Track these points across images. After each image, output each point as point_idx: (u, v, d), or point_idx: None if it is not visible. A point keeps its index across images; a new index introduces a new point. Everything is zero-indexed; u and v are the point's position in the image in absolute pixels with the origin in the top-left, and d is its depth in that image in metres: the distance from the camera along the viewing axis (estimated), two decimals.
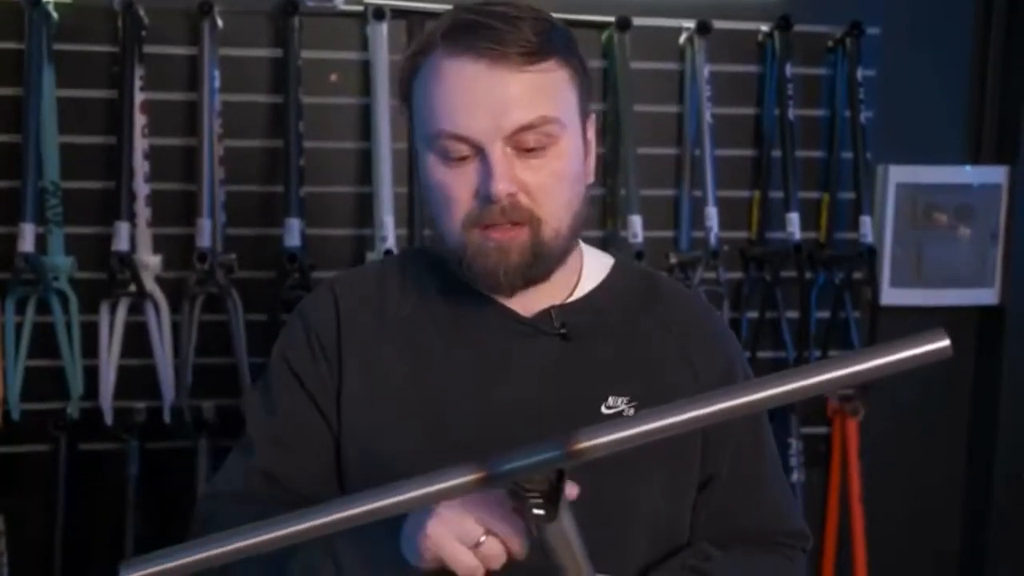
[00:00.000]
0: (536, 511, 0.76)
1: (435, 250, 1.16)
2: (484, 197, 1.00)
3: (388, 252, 2.00)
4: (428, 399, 1.07)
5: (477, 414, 1.06)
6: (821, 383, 0.68)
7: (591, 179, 1.10)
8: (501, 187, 0.98)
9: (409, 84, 1.05)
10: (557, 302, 1.10)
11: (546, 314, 1.09)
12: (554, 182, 1.02)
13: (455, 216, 1.02)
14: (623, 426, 0.72)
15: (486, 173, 0.99)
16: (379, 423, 1.07)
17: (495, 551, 0.86)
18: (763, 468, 1.17)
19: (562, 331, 1.09)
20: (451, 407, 1.07)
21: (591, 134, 1.09)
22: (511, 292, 1.06)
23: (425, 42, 1.03)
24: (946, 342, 0.67)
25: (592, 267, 1.15)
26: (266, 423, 1.12)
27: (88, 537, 2.07)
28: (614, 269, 1.16)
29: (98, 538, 2.08)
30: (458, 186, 1.01)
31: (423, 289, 1.13)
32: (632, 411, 1.07)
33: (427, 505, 0.80)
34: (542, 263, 1.04)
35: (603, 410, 1.07)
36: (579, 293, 1.12)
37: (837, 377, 0.68)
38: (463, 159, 1.00)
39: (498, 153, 0.99)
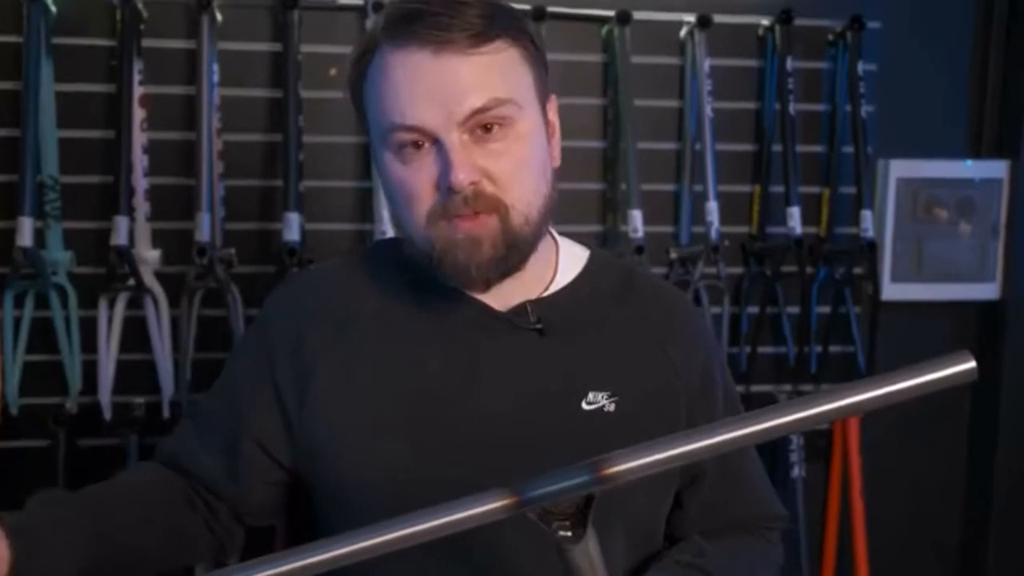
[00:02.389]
0: (563, 533, 0.76)
1: (401, 246, 1.14)
2: (445, 188, 0.97)
3: None
4: (401, 398, 1.05)
5: (453, 412, 1.04)
6: (851, 405, 0.68)
7: (557, 163, 1.07)
8: (462, 176, 0.95)
9: (359, 86, 1.02)
10: (532, 296, 1.08)
11: (521, 308, 1.07)
12: (518, 167, 0.99)
13: (418, 212, 1.00)
14: (654, 450, 0.71)
15: (445, 164, 0.96)
16: (351, 424, 1.05)
17: None
18: (745, 459, 1.18)
19: (538, 326, 1.07)
20: (425, 406, 1.04)
21: (553, 115, 1.06)
22: (486, 286, 1.04)
23: (368, 40, 1.01)
24: (971, 364, 0.66)
25: (567, 260, 1.12)
26: (195, 410, 1.16)
27: None
28: (590, 261, 1.14)
29: None
30: (417, 180, 0.98)
31: (393, 285, 1.10)
32: (612, 406, 1.06)
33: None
34: (515, 252, 1.02)
35: (583, 405, 1.06)
36: (555, 287, 1.10)
37: (866, 399, 0.68)
38: (419, 151, 0.98)
39: (455, 141, 0.96)
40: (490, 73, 0.97)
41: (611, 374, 1.07)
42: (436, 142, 0.97)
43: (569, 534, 0.76)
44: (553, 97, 1.07)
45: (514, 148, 0.99)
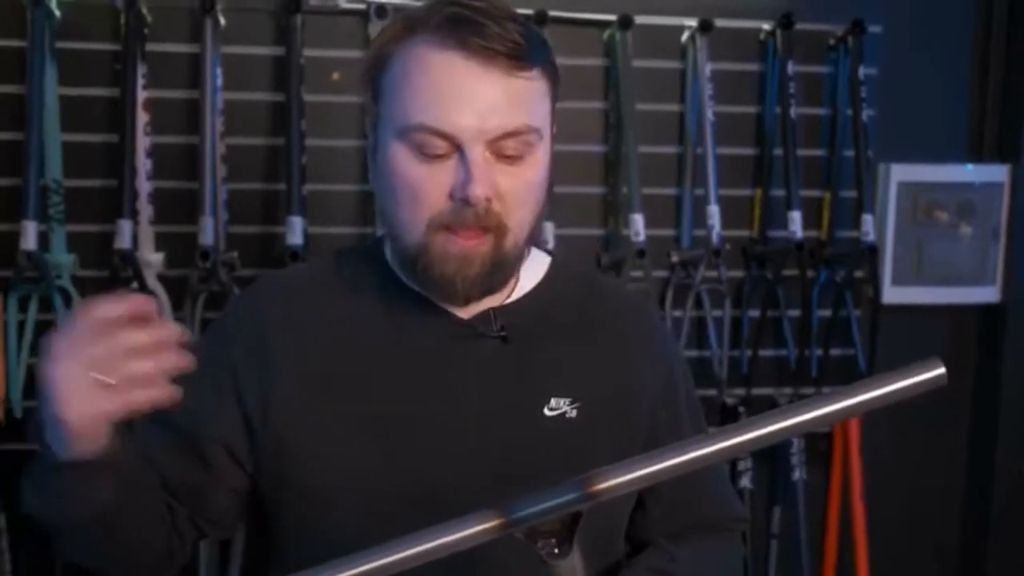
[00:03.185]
0: (550, 550, 0.76)
1: (370, 250, 1.14)
2: (461, 199, 0.96)
3: None
4: (363, 405, 1.04)
5: (416, 418, 1.04)
6: (829, 413, 0.70)
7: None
8: (480, 191, 0.95)
9: (380, 70, 1.01)
10: (496, 303, 1.08)
11: (485, 315, 1.07)
12: (526, 191, 1.00)
13: (420, 216, 0.99)
14: (643, 464, 0.72)
15: (465, 174, 0.96)
16: (312, 430, 1.04)
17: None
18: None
19: (502, 333, 1.07)
20: (388, 411, 1.04)
21: (553, 142, 1.07)
22: (465, 302, 1.04)
23: (404, 29, 0.99)
24: (941, 370, 0.68)
25: (530, 266, 1.12)
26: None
27: None
28: (552, 268, 1.14)
29: None
30: (431, 184, 0.98)
31: (358, 291, 1.10)
32: (575, 412, 1.06)
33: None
34: (500, 273, 1.03)
35: (546, 411, 1.06)
36: (518, 293, 1.10)
37: (843, 408, 0.69)
38: (439, 157, 0.97)
39: (479, 155, 0.96)
40: (525, 99, 0.98)
41: (573, 381, 1.07)
42: (458, 151, 0.97)
43: (556, 551, 0.76)
44: (555, 126, 1.07)
45: (527, 173, 1.00)
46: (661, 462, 0.72)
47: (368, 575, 0.70)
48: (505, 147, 0.97)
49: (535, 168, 1.01)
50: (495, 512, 0.73)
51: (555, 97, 1.04)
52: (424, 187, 0.98)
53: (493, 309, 1.07)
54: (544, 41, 1.03)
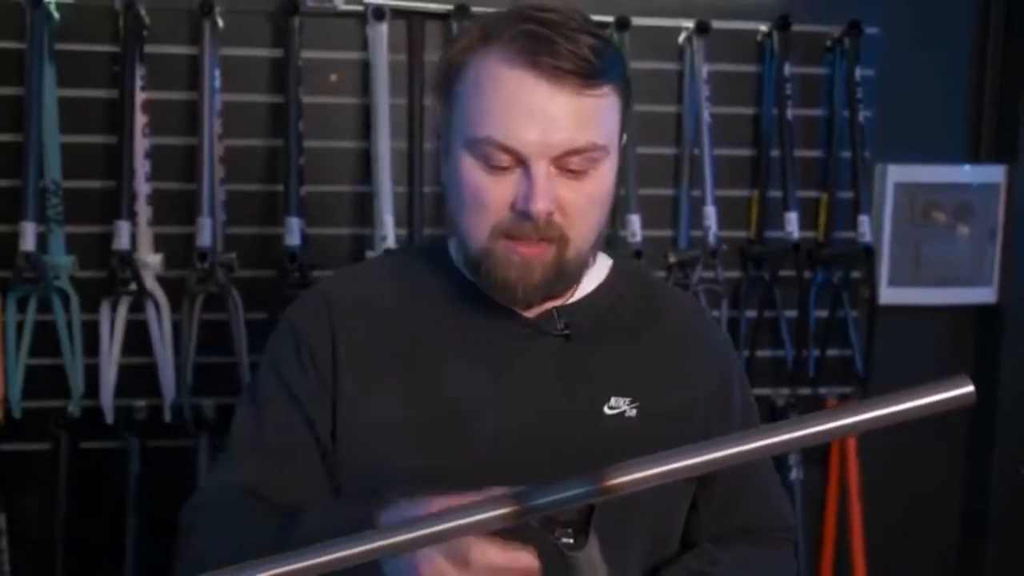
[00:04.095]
0: (565, 540, 0.76)
1: (433, 249, 1.16)
2: (522, 212, 0.98)
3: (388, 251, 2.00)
4: (427, 402, 1.06)
5: (481, 418, 1.05)
6: (849, 426, 0.69)
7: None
8: (541, 206, 0.97)
9: (453, 78, 1.02)
10: (559, 302, 1.09)
11: (548, 314, 1.09)
12: (589, 204, 1.02)
13: (484, 223, 1.01)
14: (657, 463, 0.72)
15: (528, 188, 0.98)
16: (378, 428, 1.06)
17: None
18: (760, 465, 1.18)
19: (565, 332, 1.09)
20: (451, 410, 1.06)
21: (623, 152, 1.08)
22: (527, 307, 1.07)
23: (479, 40, 1.01)
24: (970, 388, 0.67)
25: (592, 267, 1.14)
26: (251, 435, 1.10)
27: (89, 535, 2.07)
28: (613, 270, 1.16)
29: (99, 536, 2.08)
30: (495, 194, 0.99)
31: (421, 289, 1.12)
32: (634, 411, 1.07)
33: (455, 538, 0.78)
34: (562, 282, 1.05)
35: (605, 410, 1.07)
36: (579, 293, 1.12)
37: (864, 420, 0.69)
38: (504, 168, 0.99)
39: (543, 171, 0.97)
40: (593, 117, 0.99)
41: (632, 381, 1.09)
42: (522, 164, 0.98)
43: (571, 541, 0.76)
44: (625, 135, 1.08)
45: (591, 187, 1.01)
46: (677, 462, 0.72)
47: (373, 553, 0.70)
48: (569, 162, 0.99)
49: (599, 182, 1.02)
50: (510, 499, 0.73)
51: (627, 108, 1.05)
52: (488, 196, 1.00)
53: (556, 308, 1.09)
54: (618, 55, 1.03)
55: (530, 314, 1.09)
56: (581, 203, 1.01)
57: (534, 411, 1.06)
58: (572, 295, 1.11)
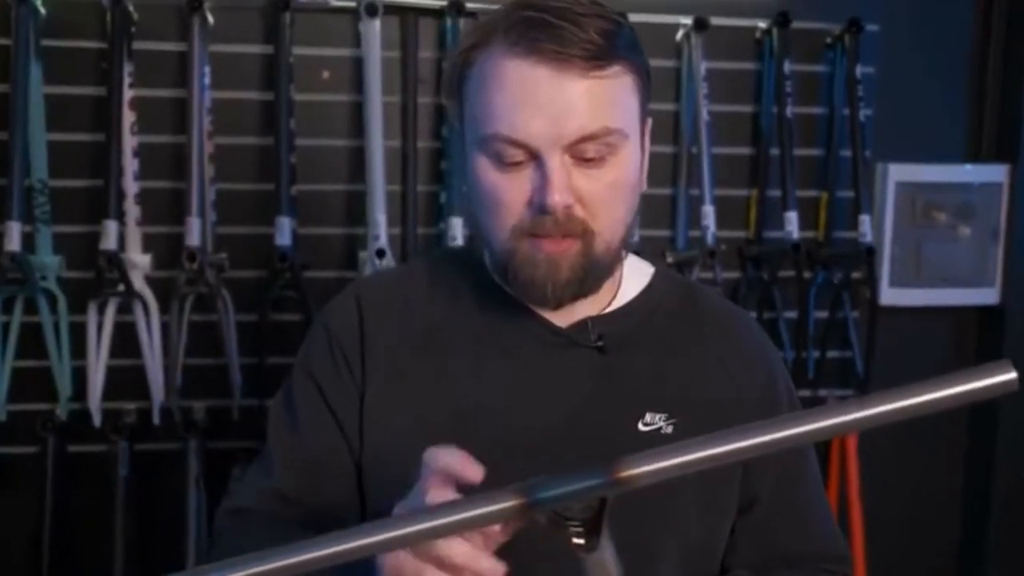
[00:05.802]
0: (576, 540, 0.72)
1: (468, 254, 1.12)
2: (538, 207, 0.94)
3: (380, 251, 1.97)
4: (455, 412, 1.03)
5: (507, 428, 1.01)
6: (880, 414, 0.65)
7: (644, 187, 1.04)
8: (557, 198, 0.93)
9: (462, 78, 0.99)
10: (594, 312, 1.05)
11: (582, 325, 1.05)
12: (611, 194, 0.97)
13: (504, 223, 0.97)
14: (671, 454, 0.68)
15: (542, 182, 0.93)
16: (404, 435, 1.02)
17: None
18: (806, 491, 1.12)
19: (599, 343, 1.04)
20: (480, 421, 1.02)
21: (647, 139, 1.03)
22: (556, 306, 1.02)
23: (482, 35, 0.97)
24: (1013, 375, 0.62)
25: (632, 276, 1.10)
26: (287, 439, 1.08)
27: (77, 539, 2.04)
28: (654, 278, 1.11)
29: (87, 539, 2.05)
30: (511, 192, 0.96)
31: (454, 295, 1.09)
32: (671, 428, 1.02)
33: (463, 531, 0.76)
34: (592, 278, 1.00)
35: (640, 427, 1.03)
36: (617, 303, 1.07)
37: (899, 408, 0.64)
38: (517, 164, 0.95)
39: (556, 162, 0.93)
40: (604, 99, 0.94)
41: (670, 396, 1.04)
42: (536, 158, 0.94)
43: (582, 542, 0.72)
44: (649, 120, 1.03)
45: (611, 175, 0.96)
46: (694, 452, 0.68)
47: (383, 545, 0.68)
48: (585, 150, 0.94)
49: (620, 169, 0.97)
50: (516, 493, 0.70)
51: (645, 90, 1.00)
52: (504, 195, 0.96)
53: (591, 318, 1.05)
54: (631, 36, 0.98)
55: (563, 323, 1.04)
56: (602, 193, 0.96)
57: (564, 423, 1.02)
58: (609, 304, 1.07)
